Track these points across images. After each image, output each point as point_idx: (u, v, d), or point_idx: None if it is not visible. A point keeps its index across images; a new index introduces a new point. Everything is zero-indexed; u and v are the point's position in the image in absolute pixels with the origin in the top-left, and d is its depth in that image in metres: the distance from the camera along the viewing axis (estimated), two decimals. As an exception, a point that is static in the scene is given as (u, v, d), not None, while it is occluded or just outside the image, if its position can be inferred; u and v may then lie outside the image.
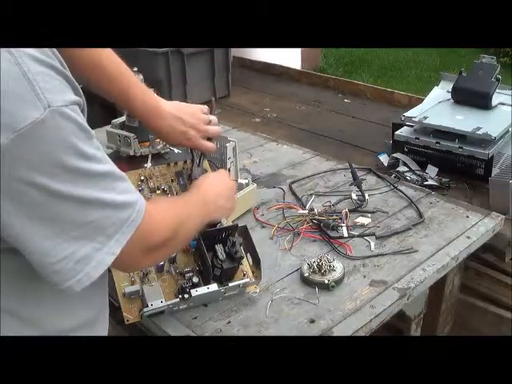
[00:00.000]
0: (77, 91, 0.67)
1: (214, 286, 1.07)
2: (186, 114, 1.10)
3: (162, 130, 1.08)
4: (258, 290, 1.15)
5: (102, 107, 3.18)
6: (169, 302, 1.03)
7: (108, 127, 1.44)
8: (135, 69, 1.39)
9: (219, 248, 1.08)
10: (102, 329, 0.87)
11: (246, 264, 1.13)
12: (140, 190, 1.13)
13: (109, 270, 1.03)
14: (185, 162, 1.19)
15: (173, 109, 1.09)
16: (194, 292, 1.05)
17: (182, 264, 1.11)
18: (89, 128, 0.67)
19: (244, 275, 1.12)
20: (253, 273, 1.13)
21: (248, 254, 1.14)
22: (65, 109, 0.62)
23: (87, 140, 0.65)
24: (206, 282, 1.08)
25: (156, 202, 0.98)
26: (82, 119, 0.66)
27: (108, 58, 1.01)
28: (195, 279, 1.07)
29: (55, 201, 0.64)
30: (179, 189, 1.16)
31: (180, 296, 1.04)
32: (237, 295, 1.12)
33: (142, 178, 1.16)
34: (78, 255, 0.67)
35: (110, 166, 0.70)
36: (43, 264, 0.67)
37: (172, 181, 1.17)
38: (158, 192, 1.15)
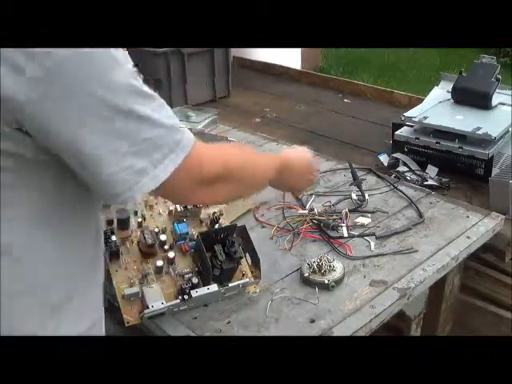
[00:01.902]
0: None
1: (214, 287, 1.07)
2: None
3: None
4: (257, 290, 1.15)
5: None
6: (169, 304, 1.03)
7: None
8: (135, 69, 1.40)
9: (218, 248, 1.07)
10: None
11: (245, 264, 1.13)
12: None
13: (108, 273, 1.04)
14: None
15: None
16: (194, 293, 1.05)
17: (181, 265, 1.11)
18: None
19: (243, 275, 1.12)
20: (252, 272, 1.13)
21: (247, 254, 1.14)
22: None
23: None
24: (206, 283, 1.08)
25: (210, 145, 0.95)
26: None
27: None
28: (195, 280, 1.07)
29: (115, 115, 0.67)
30: None
31: (180, 297, 1.04)
32: (236, 295, 1.12)
33: None
34: (137, 168, 0.70)
35: (156, 94, 0.73)
36: (103, 176, 0.69)
37: None
38: None
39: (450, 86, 2.12)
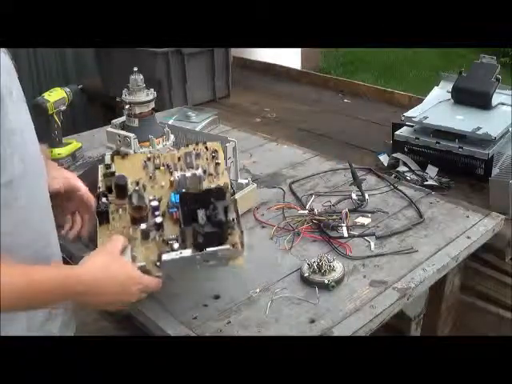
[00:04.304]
0: None
1: (187, 252, 0.97)
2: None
3: None
4: (258, 291, 1.15)
5: (102, 107, 3.19)
6: (140, 264, 0.96)
7: (108, 127, 1.44)
8: (135, 69, 1.40)
9: (201, 212, 1.00)
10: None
11: (238, 235, 1.02)
12: (144, 167, 1.13)
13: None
14: (196, 143, 1.18)
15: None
16: (165, 256, 0.96)
17: (169, 231, 1.03)
18: None
19: (234, 246, 1.00)
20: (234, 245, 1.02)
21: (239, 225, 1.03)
22: None
23: None
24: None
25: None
26: None
27: None
28: (175, 245, 0.98)
29: None
30: (185, 167, 1.12)
31: (157, 263, 0.97)
32: (220, 266, 1.02)
33: (149, 155, 1.15)
34: None
35: None
36: None
37: (179, 159, 1.14)
38: (162, 168, 1.12)
39: (449, 86, 2.12)
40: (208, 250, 0.98)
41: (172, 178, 1.10)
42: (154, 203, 1.05)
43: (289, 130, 2.55)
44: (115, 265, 0.89)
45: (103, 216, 1.03)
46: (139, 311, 1.11)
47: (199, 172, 1.08)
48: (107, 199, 1.06)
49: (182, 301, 1.13)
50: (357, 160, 1.95)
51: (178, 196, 1.05)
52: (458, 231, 1.37)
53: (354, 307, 1.10)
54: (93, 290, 0.85)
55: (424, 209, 1.47)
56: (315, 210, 1.42)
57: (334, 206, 1.47)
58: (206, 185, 1.09)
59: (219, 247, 0.99)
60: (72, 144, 1.85)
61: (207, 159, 1.15)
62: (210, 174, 1.12)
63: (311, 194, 1.55)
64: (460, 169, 1.92)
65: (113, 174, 1.10)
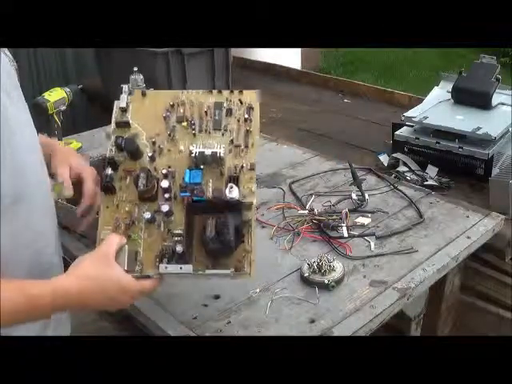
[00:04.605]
0: None
1: (187, 268, 0.90)
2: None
3: None
4: (258, 291, 1.15)
5: (101, 107, 3.18)
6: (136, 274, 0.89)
7: (108, 127, 1.44)
8: (135, 69, 1.40)
9: (211, 223, 0.90)
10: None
11: (245, 255, 0.95)
12: (165, 118, 0.97)
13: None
14: (231, 91, 0.99)
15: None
16: (163, 268, 0.89)
17: (177, 221, 0.93)
18: None
19: (237, 270, 0.93)
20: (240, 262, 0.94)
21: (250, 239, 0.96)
22: None
23: None
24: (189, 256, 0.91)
25: None
26: None
27: None
28: (179, 248, 0.89)
29: None
30: (211, 127, 0.97)
31: (156, 262, 0.90)
32: (227, 277, 0.96)
33: (172, 103, 0.98)
34: None
35: None
36: None
37: (206, 113, 0.97)
38: (184, 124, 0.97)
39: (449, 86, 2.13)
40: (208, 271, 0.92)
41: (192, 148, 0.95)
42: (165, 184, 0.92)
43: (289, 129, 2.55)
44: (106, 276, 0.85)
45: (108, 190, 0.94)
46: (139, 311, 1.11)
47: (221, 151, 0.94)
48: (115, 167, 0.94)
49: (182, 301, 1.13)
50: (357, 160, 1.95)
51: (193, 175, 0.93)
52: (458, 231, 1.37)
53: (354, 307, 1.10)
54: (82, 303, 0.83)
55: (424, 209, 1.47)
56: (315, 210, 1.42)
57: (334, 206, 1.47)
58: (229, 161, 0.96)
59: (221, 271, 0.92)
60: (72, 144, 1.85)
61: (239, 121, 0.98)
62: (237, 146, 0.97)
63: (311, 194, 1.55)
64: (460, 169, 1.92)
65: (127, 124, 0.97)
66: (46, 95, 1.74)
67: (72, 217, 1.08)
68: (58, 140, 1.78)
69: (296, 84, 3.31)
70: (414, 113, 2.04)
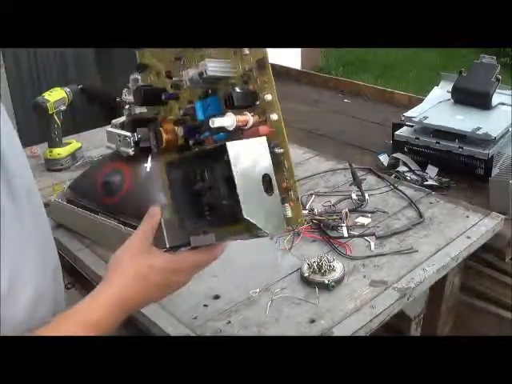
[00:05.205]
0: None
1: (211, 238, 0.76)
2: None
3: None
4: (258, 291, 1.15)
5: (101, 107, 3.19)
6: None
7: (108, 127, 1.44)
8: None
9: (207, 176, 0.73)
10: None
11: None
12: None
13: None
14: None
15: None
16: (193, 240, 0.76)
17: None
18: None
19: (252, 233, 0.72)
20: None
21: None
22: None
23: None
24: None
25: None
26: None
27: None
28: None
29: None
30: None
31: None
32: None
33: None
34: None
35: None
36: None
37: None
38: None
39: (449, 86, 2.12)
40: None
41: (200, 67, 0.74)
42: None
43: (289, 129, 2.53)
44: (148, 269, 0.77)
45: (147, 151, 0.78)
46: (139, 311, 1.11)
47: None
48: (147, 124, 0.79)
49: (182, 301, 1.13)
50: (357, 160, 1.95)
51: (214, 102, 0.75)
52: (458, 231, 1.37)
53: (354, 307, 1.10)
54: (138, 304, 0.80)
55: (424, 209, 1.47)
56: (315, 210, 1.42)
57: (334, 206, 1.47)
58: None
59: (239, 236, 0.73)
60: (72, 144, 1.85)
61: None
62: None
63: (311, 194, 1.55)
64: (460, 169, 1.92)
65: (145, 65, 0.84)
66: (46, 95, 1.74)
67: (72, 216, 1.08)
68: (58, 140, 1.79)
69: (296, 84, 3.31)
70: (413, 113, 2.04)
